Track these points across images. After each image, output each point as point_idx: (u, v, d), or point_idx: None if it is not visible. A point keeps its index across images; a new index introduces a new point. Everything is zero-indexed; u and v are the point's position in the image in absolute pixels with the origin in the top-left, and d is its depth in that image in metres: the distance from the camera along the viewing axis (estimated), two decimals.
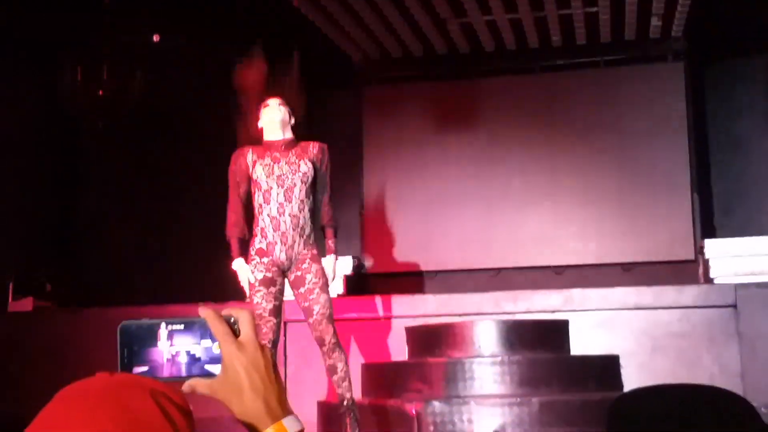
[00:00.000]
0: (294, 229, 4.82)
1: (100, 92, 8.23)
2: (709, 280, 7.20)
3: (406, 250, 9.11)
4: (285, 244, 4.83)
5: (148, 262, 8.94)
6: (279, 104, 4.99)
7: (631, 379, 6.14)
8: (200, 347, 1.13)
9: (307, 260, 4.85)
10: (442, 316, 6.62)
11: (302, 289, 4.84)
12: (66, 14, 8.59)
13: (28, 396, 6.69)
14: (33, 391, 6.70)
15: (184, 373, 1.13)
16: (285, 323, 6.74)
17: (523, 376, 5.68)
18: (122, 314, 6.64)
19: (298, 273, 4.85)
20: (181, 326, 1.13)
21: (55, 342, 7.14)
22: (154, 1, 8.49)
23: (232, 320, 1.14)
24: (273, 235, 4.83)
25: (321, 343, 4.83)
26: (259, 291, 4.85)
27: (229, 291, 7.98)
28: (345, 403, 4.91)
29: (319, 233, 5.07)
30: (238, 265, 4.92)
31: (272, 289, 4.84)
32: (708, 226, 8.79)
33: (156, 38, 8.82)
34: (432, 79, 9.54)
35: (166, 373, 1.12)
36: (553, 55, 9.24)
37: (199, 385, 1.12)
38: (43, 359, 6.99)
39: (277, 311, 4.87)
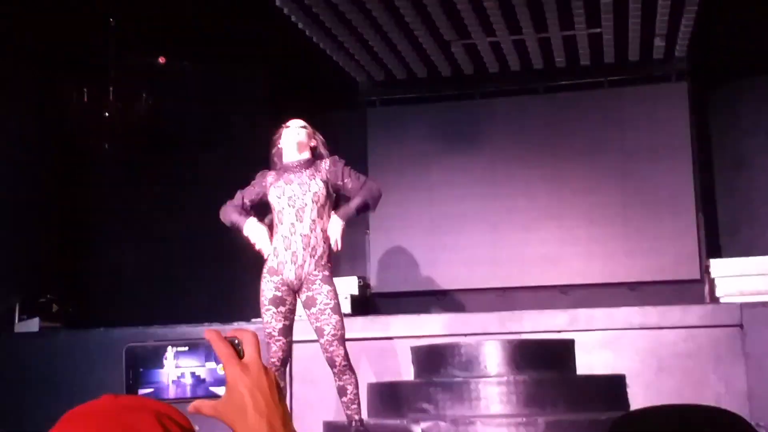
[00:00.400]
0: (305, 249, 4.81)
1: (106, 114, 8.27)
2: (714, 300, 7.19)
3: (412, 270, 9.11)
4: (295, 264, 4.82)
5: (153, 281, 8.96)
6: (299, 126, 5.01)
7: (637, 399, 6.12)
8: (205, 369, 1.15)
9: (318, 281, 4.82)
10: (448, 335, 6.61)
11: (314, 309, 4.82)
12: (72, 35, 8.66)
13: (34, 417, 6.70)
14: (39, 411, 6.71)
15: (189, 394, 1.14)
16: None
17: (529, 396, 5.67)
18: (128, 335, 6.65)
19: (309, 293, 4.83)
20: (186, 348, 1.15)
21: (62, 362, 7.15)
22: (160, 22, 8.55)
23: (236, 342, 1.15)
24: (284, 254, 4.84)
25: (332, 364, 4.82)
26: (269, 310, 4.85)
27: (234, 310, 8.00)
28: (354, 424, 4.90)
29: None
30: (250, 225, 4.92)
31: (282, 309, 4.84)
32: (713, 246, 8.79)
33: (162, 60, 8.88)
34: (436, 101, 9.59)
35: (171, 394, 1.14)
36: (557, 75, 9.28)
37: (203, 406, 1.13)
38: (49, 380, 7.00)
39: (287, 331, 4.87)
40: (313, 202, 4.84)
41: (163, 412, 1.13)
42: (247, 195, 5.05)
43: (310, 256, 4.82)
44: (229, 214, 5.04)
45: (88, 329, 7.54)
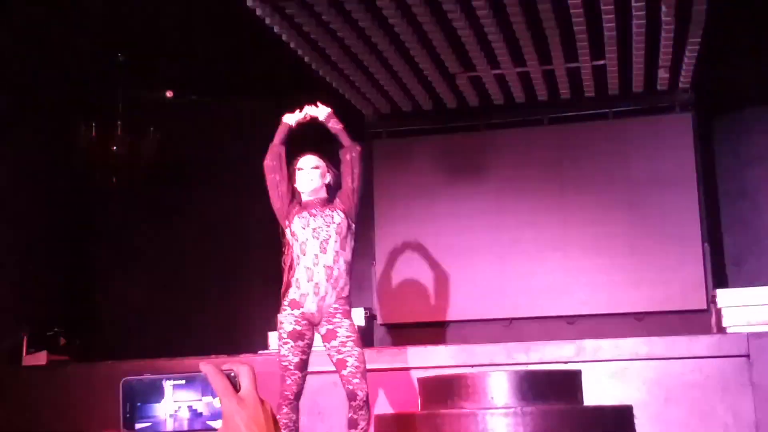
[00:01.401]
0: (327, 280, 4.84)
1: (114, 148, 8.33)
2: (721, 330, 7.18)
3: (418, 301, 9.11)
4: (317, 295, 4.84)
5: (161, 315, 8.98)
6: (312, 167, 5.04)
7: (645, 430, 6.10)
8: (202, 403, 1.16)
9: (339, 315, 4.85)
10: (455, 366, 6.60)
11: (334, 342, 4.83)
12: (80, 71, 8.75)
13: None
14: None
15: (186, 428, 1.15)
16: None
17: (537, 427, 5.65)
18: (135, 368, 6.68)
19: (330, 327, 4.84)
20: (184, 381, 1.16)
21: (69, 396, 7.15)
22: (167, 58, 8.63)
23: (232, 375, 1.17)
24: (306, 286, 4.85)
25: (352, 397, 4.80)
26: (287, 343, 4.85)
27: (241, 343, 8.01)
28: None
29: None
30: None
31: (300, 343, 4.85)
32: (720, 276, 8.77)
33: (170, 94, 8.96)
34: (442, 133, 9.63)
35: (168, 428, 1.15)
36: (561, 107, 9.31)
37: None
38: (56, 413, 7.01)
39: (303, 365, 4.88)
40: (336, 233, 4.88)
41: None
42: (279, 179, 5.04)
43: (332, 288, 4.85)
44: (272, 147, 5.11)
45: (95, 362, 7.55)
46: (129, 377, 1.16)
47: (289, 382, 4.82)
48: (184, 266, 9.16)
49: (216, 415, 1.15)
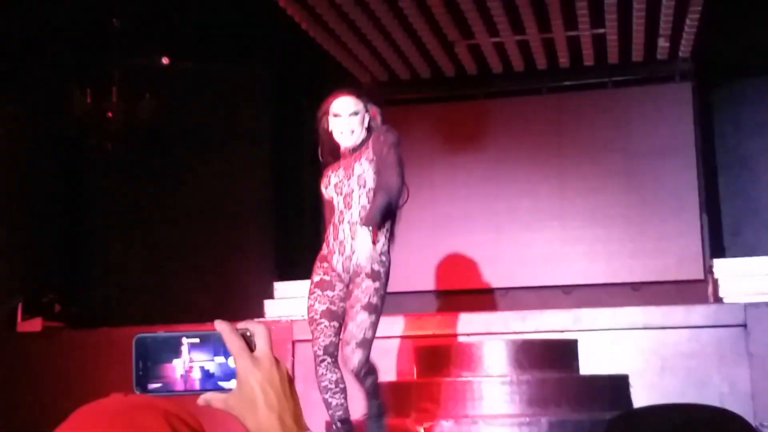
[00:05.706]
0: (353, 238, 4.32)
1: (110, 114, 8.27)
2: (718, 300, 7.19)
3: (414, 270, 9.09)
4: (342, 255, 4.35)
5: (156, 281, 8.96)
6: (351, 113, 4.41)
7: (640, 399, 6.11)
8: (214, 363, 1.13)
9: (363, 274, 4.29)
10: (451, 335, 6.60)
11: (349, 302, 4.32)
12: (76, 36, 8.66)
13: (36, 417, 6.69)
14: (42, 412, 6.71)
15: (198, 387, 1.12)
16: (293, 342, 6.73)
17: (532, 396, 5.66)
18: (130, 334, 6.70)
19: (352, 287, 4.32)
20: (198, 340, 1.13)
21: (64, 362, 7.15)
22: (163, 23, 8.55)
23: (248, 334, 1.14)
24: (333, 244, 4.40)
25: (343, 365, 4.33)
26: (313, 293, 4.39)
27: (237, 311, 8.00)
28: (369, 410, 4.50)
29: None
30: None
31: (328, 293, 4.35)
32: (717, 246, 8.78)
33: (165, 61, 8.89)
34: (440, 101, 9.58)
35: (179, 388, 1.12)
36: (560, 76, 9.27)
37: (214, 399, 1.13)
38: (51, 380, 7.00)
39: (331, 315, 4.33)
40: (358, 185, 4.39)
41: (172, 413, 1.12)
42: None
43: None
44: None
45: (90, 329, 7.54)
46: (142, 334, 1.12)
47: (316, 334, 4.32)
48: (180, 233, 9.13)
49: (228, 376, 1.13)
